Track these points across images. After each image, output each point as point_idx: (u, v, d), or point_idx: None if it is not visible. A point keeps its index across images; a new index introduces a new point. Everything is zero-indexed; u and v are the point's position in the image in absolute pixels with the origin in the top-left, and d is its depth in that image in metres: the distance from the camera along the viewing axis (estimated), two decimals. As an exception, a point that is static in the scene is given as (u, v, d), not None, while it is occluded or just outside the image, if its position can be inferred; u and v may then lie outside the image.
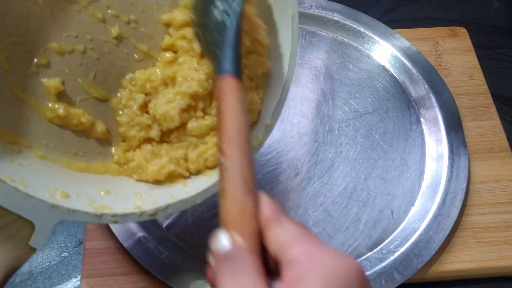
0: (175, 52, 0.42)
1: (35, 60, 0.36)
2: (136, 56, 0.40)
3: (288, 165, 0.53)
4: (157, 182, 0.39)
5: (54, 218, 0.32)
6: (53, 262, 0.50)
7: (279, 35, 0.42)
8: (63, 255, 0.50)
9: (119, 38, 0.39)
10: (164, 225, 0.49)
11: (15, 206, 0.30)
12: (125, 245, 0.46)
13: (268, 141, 0.55)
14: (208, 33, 0.41)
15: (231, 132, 0.33)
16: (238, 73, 0.37)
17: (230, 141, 0.33)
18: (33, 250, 0.32)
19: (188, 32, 0.42)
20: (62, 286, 0.49)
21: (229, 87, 0.35)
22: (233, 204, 0.32)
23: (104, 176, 0.39)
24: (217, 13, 0.40)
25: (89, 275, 0.47)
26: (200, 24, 0.42)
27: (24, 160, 0.34)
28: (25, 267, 0.50)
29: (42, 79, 0.36)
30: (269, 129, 0.40)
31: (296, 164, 0.53)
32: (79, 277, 0.49)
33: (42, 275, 0.49)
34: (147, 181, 0.39)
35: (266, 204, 0.31)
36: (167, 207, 0.37)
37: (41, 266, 0.50)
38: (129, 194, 0.38)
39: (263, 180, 0.52)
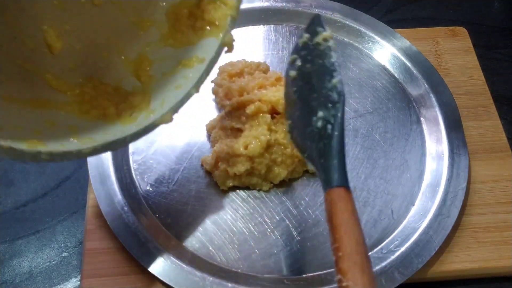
0: None
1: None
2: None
3: (288, 165, 0.53)
4: (97, 117, 0.41)
5: None
6: (53, 262, 0.50)
7: None
8: (63, 255, 0.50)
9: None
10: (164, 224, 0.49)
11: None
12: (125, 245, 0.46)
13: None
14: (309, 141, 0.41)
15: (349, 250, 0.32)
16: (347, 183, 0.36)
17: (350, 260, 0.32)
18: None
19: None
20: (62, 286, 0.49)
21: (341, 200, 0.35)
22: None
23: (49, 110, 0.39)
24: (318, 122, 0.40)
25: (89, 275, 0.46)
26: (300, 133, 0.43)
27: None
28: (25, 267, 0.50)
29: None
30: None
31: (296, 164, 0.53)
32: (79, 277, 0.49)
33: (42, 275, 0.49)
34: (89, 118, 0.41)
35: None
36: (103, 146, 0.37)
37: (41, 266, 0.50)
38: (64, 127, 0.38)
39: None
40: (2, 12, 0.37)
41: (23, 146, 0.33)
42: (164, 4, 0.44)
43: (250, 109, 0.50)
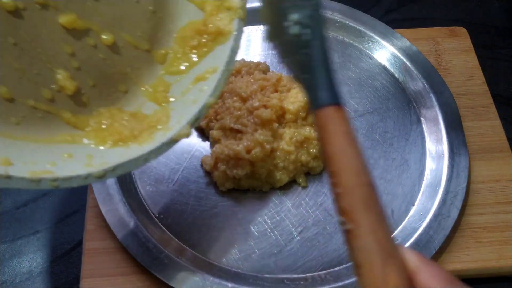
0: None
1: None
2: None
3: (288, 165, 0.53)
4: (115, 144, 0.40)
5: None
6: (53, 262, 0.50)
7: None
8: (63, 255, 0.50)
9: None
10: (164, 224, 0.49)
11: None
12: (125, 245, 0.46)
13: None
14: (290, 54, 0.33)
15: (349, 183, 0.27)
16: (337, 99, 0.29)
17: (351, 196, 0.26)
18: None
19: None
20: (62, 286, 0.49)
21: (331, 122, 0.29)
22: (373, 279, 0.25)
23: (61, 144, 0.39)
24: (293, 28, 0.32)
25: (89, 275, 0.46)
26: (279, 46, 0.34)
27: None
28: (25, 267, 0.50)
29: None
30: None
31: (296, 164, 0.53)
32: (79, 277, 0.49)
33: (42, 275, 0.49)
34: (104, 144, 0.40)
35: (410, 257, 0.25)
36: (115, 167, 0.36)
37: (41, 266, 0.50)
38: (81, 157, 0.37)
39: (263, 180, 0.52)
40: (19, 56, 0.37)
41: (25, 174, 0.33)
42: (172, 26, 0.44)
43: (266, 114, 0.50)
